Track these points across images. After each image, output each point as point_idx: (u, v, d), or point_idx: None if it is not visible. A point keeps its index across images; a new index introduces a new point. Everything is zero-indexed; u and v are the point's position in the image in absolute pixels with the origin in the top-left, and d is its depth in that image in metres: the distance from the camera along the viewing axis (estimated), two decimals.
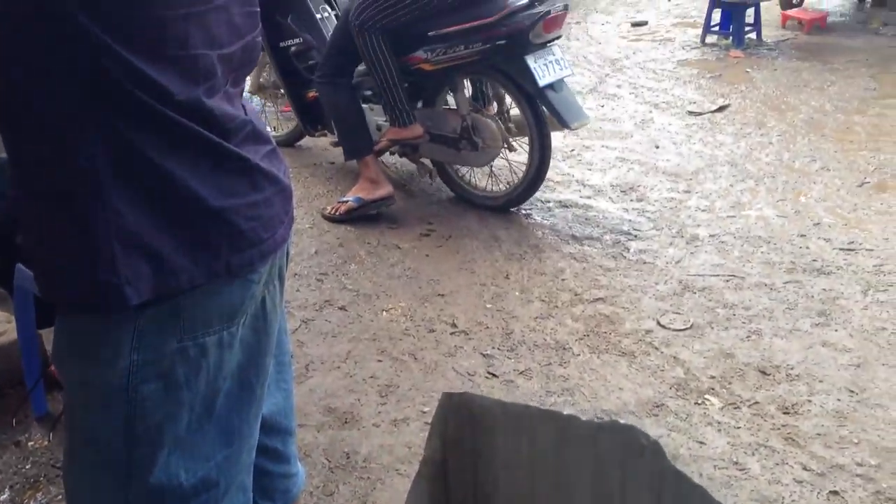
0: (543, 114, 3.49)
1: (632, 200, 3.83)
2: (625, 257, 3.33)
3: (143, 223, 1.01)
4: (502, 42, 3.38)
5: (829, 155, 4.20)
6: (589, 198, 3.88)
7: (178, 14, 0.99)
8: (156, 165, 1.01)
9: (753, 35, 6.27)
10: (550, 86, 3.42)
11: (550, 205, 3.83)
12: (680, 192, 3.90)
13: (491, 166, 3.84)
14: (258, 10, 1.16)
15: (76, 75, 0.95)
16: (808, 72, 5.50)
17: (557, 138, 4.58)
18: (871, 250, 3.27)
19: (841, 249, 3.30)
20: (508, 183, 3.80)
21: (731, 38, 6.17)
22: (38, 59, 0.94)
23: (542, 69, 3.40)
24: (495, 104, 3.80)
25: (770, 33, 6.39)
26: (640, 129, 4.68)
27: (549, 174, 4.11)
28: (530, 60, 3.38)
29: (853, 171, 3.99)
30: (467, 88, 3.79)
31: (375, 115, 3.86)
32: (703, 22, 6.34)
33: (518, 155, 3.74)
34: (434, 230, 3.61)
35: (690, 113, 4.89)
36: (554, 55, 3.48)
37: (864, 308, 2.90)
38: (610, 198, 3.87)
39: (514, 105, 3.66)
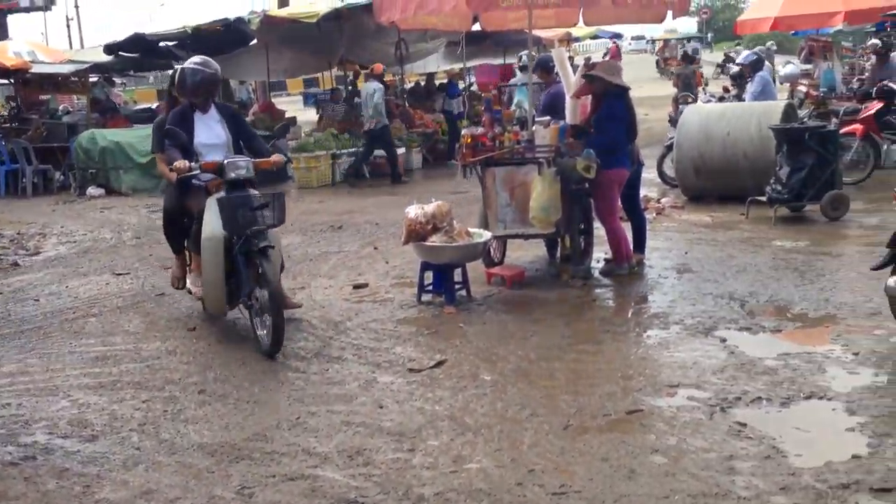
0: None
1: (358, 465, 3.83)
2: None
3: None
4: None
5: (536, 401, 4.53)
6: (315, 467, 3.83)
7: None
8: None
9: (464, 292, 6.82)
10: None
11: (275, 479, 3.72)
12: (405, 451, 3.98)
13: None
14: None
15: None
16: (513, 323, 6.03)
17: (283, 406, 4.57)
18: (580, 492, 3.49)
19: (553, 494, 3.48)
20: None
21: (443, 295, 6.67)
22: None
23: None
24: None
25: (478, 289, 6.98)
26: (364, 391, 4.79)
27: (275, 446, 4.05)
28: None
29: (557, 415, 4.33)
30: None
31: None
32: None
33: None
34: None
35: (411, 370, 5.11)
36: None
37: None
38: (336, 465, 3.85)
39: None
